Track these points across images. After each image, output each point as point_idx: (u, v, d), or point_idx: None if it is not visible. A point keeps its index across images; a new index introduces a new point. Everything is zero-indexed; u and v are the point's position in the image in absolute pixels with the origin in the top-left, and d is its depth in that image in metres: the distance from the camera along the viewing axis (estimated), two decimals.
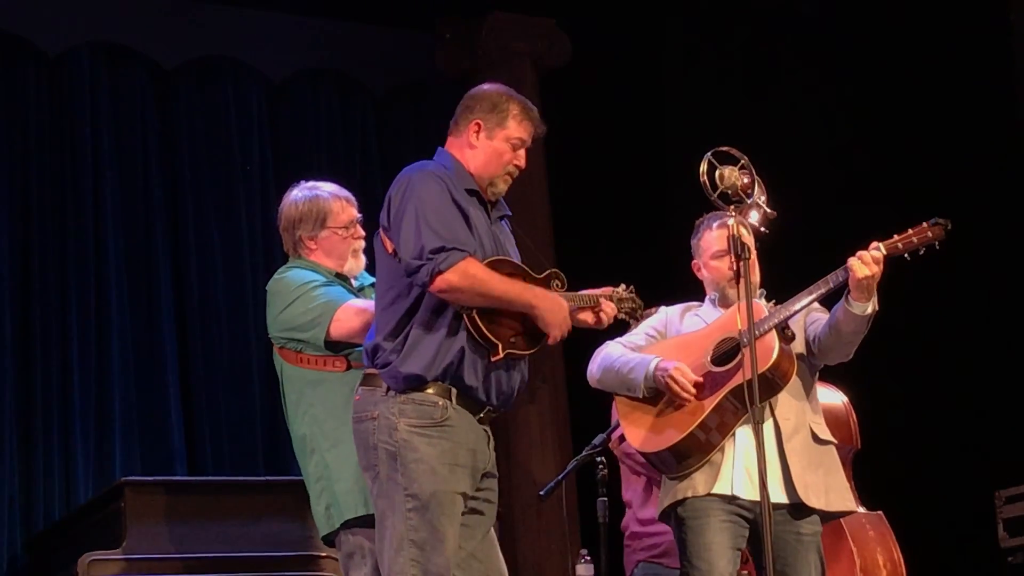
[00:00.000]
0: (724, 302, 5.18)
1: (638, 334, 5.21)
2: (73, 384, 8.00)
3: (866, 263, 4.76)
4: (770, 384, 4.87)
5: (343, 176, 8.90)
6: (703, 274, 5.25)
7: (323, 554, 6.15)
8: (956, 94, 7.89)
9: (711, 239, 5.15)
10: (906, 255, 4.79)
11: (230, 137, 8.74)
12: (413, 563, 4.34)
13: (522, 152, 4.65)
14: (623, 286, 4.84)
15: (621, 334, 5.24)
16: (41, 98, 8.29)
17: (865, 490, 5.99)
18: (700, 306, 5.27)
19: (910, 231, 4.79)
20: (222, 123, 8.74)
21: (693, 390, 4.94)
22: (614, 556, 5.95)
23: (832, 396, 5.90)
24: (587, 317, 4.66)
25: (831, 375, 5.76)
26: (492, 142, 4.61)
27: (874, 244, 4.80)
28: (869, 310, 4.83)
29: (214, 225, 8.58)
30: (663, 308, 5.31)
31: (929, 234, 4.76)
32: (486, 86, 4.73)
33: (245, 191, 8.69)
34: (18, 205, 8.09)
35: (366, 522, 4.76)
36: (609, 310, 4.70)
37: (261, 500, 6.33)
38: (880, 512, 6.01)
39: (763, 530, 4.54)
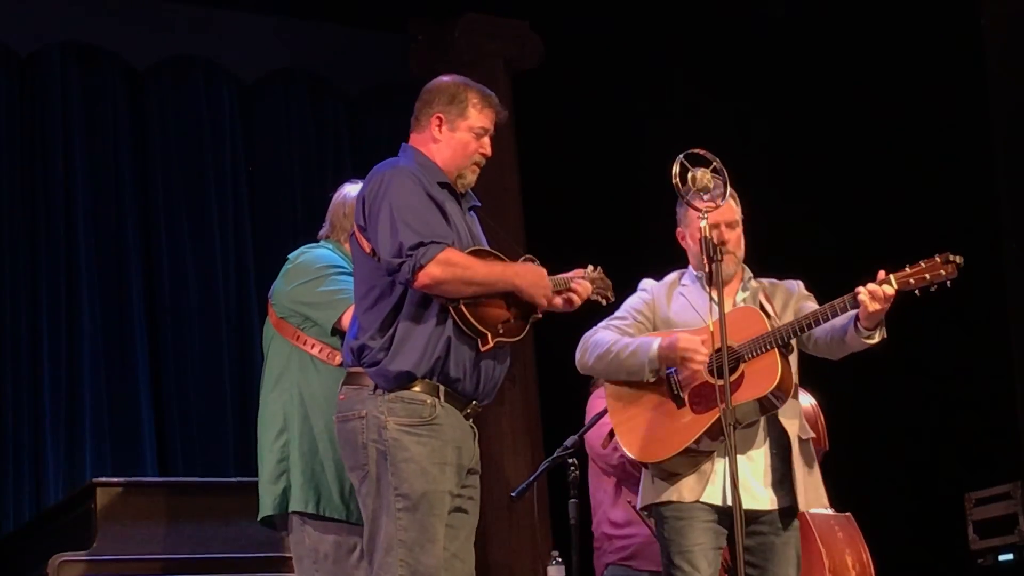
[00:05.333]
0: (712, 280, 5.02)
1: (625, 318, 5.12)
2: (44, 384, 7.97)
3: (877, 299, 4.66)
4: (772, 402, 4.87)
5: (316, 177, 9.00)
6: (687, 243, 5.14)
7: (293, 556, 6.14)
8: (930, 97, 7.91)
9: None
10: (917, 291, 4.70)
11: (202, 138, 8.72)
12: (402, 564, 4.34)
13: (487, 140, 4.65)
14: (590, 267, 4.82)
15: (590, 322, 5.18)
16: (12, 98, 8.26)
17: (834, 491, 6.00)
18: (685, 284, 5.16)
19: (922, 265, 4.68)
20: (194, 124, 8.72)
21: (706, 355, 4.82)
22: (585, 557, 5.95)
23: (801, 398, 5.87)
24: (558, 301, 4.62)
25: (800, 377, 5.77)
26: (456, 134, 4.62)
27: (883, 277, 4.69)
28: (877, 338, 4.79)
29: (186, 226, 8.56)
30: (645, 282, 5.22)
31: (942, 272, 4.65)
32: (443, 78, 4.71)
33: (217, 191, 8.67)
34: None
35: (316, 523, 4.86)
36: (583, 289, 4.67)
37: (232, 501, 6.30)
38: (849, 514, 6.01)
39: (735, 538, 4.56)
